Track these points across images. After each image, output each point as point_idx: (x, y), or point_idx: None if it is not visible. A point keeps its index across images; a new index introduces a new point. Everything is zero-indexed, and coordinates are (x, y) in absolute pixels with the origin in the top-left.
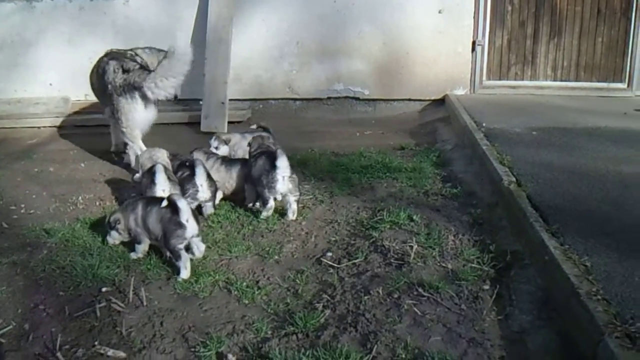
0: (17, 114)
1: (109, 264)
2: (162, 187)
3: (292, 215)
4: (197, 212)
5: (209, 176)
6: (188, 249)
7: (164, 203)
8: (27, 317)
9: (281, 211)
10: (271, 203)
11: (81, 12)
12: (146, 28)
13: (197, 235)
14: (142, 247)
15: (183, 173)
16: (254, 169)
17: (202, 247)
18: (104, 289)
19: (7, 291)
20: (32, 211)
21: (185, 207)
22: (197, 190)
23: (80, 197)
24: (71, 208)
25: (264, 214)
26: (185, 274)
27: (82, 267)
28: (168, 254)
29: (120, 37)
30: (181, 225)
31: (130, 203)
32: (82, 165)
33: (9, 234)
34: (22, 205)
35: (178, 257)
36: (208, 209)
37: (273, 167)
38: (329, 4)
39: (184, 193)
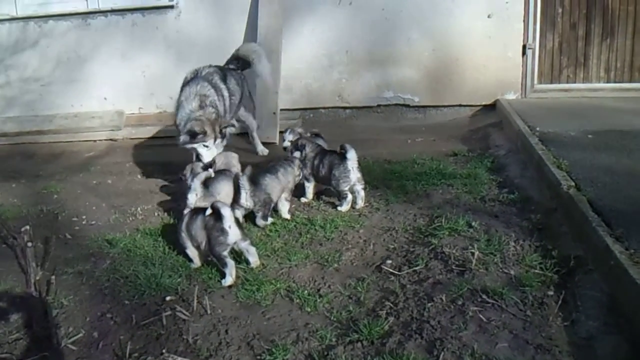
0: (74, 128)
1: (171, 273)
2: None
3: (361, 202)
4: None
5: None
6: (241, 255)
7: (208, 211)
8: (95, 326)
9: (338, 221)
10: (349, 196)
11: (134, 27)
12: (197, 41)
13: (244, 240)
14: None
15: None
16: (321, 167)
17: (253, 249)
18: (168, 298)
19: (75, 300)
20: (93, 222)
21: (228, 214)
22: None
23: (139, 208)
24: (130, 219)
25: (344, 207)
26: (229, 280)
27: (146, 277)
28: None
29: (172, 51)
30: (224, 232)
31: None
32: (138, 177)
33: (73, 244)
34: (84, 217)
35: (224, 264)
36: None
37: (343, 159)
38: (377, 12)
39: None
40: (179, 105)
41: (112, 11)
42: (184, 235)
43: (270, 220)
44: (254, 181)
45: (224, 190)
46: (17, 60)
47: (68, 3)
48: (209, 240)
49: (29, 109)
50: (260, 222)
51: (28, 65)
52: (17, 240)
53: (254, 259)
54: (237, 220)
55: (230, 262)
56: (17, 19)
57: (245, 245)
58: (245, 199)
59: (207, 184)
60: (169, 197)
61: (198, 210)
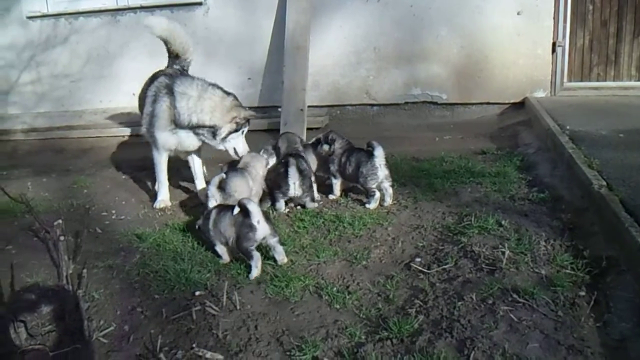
0: (103, 123)
1: (200, 269)
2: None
3: (389, 199)
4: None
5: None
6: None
7: (236, 210)
8: (126, 319)
9: (366, 218)
10: (377, 194)
11: None
12: (225, 38)
13: (273, 236)
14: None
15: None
16: (348, 165)
17: (280, 248)
18: (197, 293)
19: (105, 294)
20: (122, 217)
21: (256, 210)
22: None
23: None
24: (159, 214)
25: (372, 205)
26: (255, 272)
27: (175, 272)
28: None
29: (200, 47)
30: (252, 228)
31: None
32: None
33: (103, 238)
34: (113, 211)
35: (250, 257)
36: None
37: (371, 156)
38: (405, 8)
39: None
40: None
41: (141, 8)
42: (212, 232)
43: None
44: (300, 170)
45: (239, 188)
46: (48, 57)
47: (98, 0)
48: (238, 236)
49: (59, 104)
50: (311, 205)
51: (58, 61)
52: (50, 233)
53: (280, 257)
54: (266, 215)
55: (257, 254)
56: (48, 16)
57: (273, 242)
58: (295, 189)
59: (222, 185)
60: (196, 194)
61: (225, 208)
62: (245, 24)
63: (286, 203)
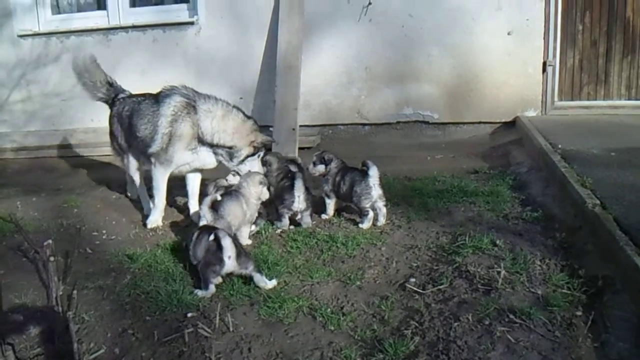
0: (93, 142)
1: (192, 290)
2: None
3: (382, 219)
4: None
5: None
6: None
7: (212, 237)
8: (116, 342)
9: (359, 238)
10: (371, 213)
11: (154, 43)
12: (217, 58)
13: (246, 268)
14: None
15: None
16: (342, 184)
17: (258, 276)
18: (189, 314)
19: (95, 315)
20: (113, 237)
21: (229, 246)
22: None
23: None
24: (151, 234)
25: (366, 225)
26: (201, 294)
27: (167, 293)
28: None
29: (191, 67)
30: (221, 262)
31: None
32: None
33: (93, 259)
34: (104, 231)
35: (207, 286)
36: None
37: (365, 175)
38: (397, 28)
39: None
40: None
41: (133, 27)
42: (191, 252)
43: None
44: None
45: (233, 211)
46: (39, 75)
47: (89, 19)
48: (205, 262)
49: (49, 123)
50: (308, 221)
51: (49, 80)
52: (39, 254)
53: (262, 284)
54: (238, 251)
55: (212, 288)
56: (40, 35)
57: (250, 272)
58: (299, 203)
59: (214, 206)
60: (187, 213)
61: (207, 230)
62: (237, 43)
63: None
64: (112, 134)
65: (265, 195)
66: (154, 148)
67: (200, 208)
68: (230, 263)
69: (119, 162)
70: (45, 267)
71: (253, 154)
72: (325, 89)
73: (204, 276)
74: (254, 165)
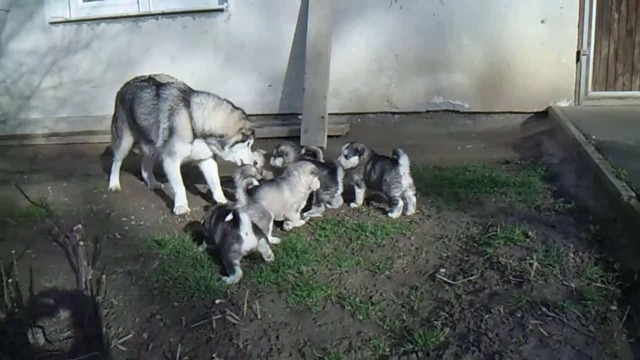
0: None
1: (220, 276)
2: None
3: (412, 208)
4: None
5: None
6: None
7: (229, 217)
8: (144, 327)
9: (388, 227)
10: (401, 203)
11: (184, 30)
12: (246, 45)
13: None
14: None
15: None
16: (373, 172)
17: (269, 250)
18: (217, 301)
19: (124, 300)
20: (142, 222)
21: (246, 221)
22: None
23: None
24: (179, 220)
25: (395, 214)
26: (229, 280)
27: (195, 279)
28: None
29: (221, 53)
30: (239, 239)
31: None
32: (185, 179)
33: (122, 244)
34: (133, 217)
35: (232, 271)
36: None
37: (395, 164)
38: (428, 16)
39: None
40: None
41: (163, 14)
42: (206, 234)
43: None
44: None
45: (269, 197)
46: (70, 62)
47: (120, 6)
48: (223, 246)
49: (80, 109)
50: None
51: (80, 67)
52: (69, 238)
53: (267, 259)
54: (255, 227)
55: (239, 272)
56: (71, 22)
57: (261, 250)
58: (341, 188)
59: (250, 191)
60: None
61: (222, 212)
62: (266, 30)
63: None
64: None
65: (316, 184)
66: (159, 141)
67: (236, 191)
68: (249, 239)
69: None
70: (75, 251)
71: (242, 141)
72: (355, 77)
73: (227, 260)
74: (244, 153)
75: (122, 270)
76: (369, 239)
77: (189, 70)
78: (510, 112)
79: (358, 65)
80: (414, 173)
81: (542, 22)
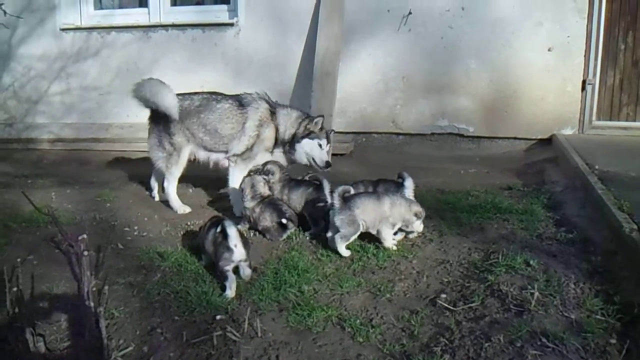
0: (129, 138)
1: (222, 292)
2: None
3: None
4: None
5: None
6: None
7: (219, 228)
8: (145, 340)
9: (390, 250)
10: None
11: (193, 42)
12: (255, 60)
13: (245, 261)
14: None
15: None
16: None
17: (249, 271)
18: (218, 317)
19: (125, 312)
20: (144, 233)
21: (234, 234)
22: None
23: (190, 222)
24: (182, 233)
25: (398, 236)
26: (229, 293)
27: (196, 293)
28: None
29: (229, 68)
30: (229, 250)
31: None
32: (190, 191)
33: (125, 255)
34: (135, 227)
35: (225, 277)
36: None
37: (400, 187)
38: (436, 40)
39: None
40: None
41: (173, 26)
42: (200, 243)
43: None
44: None
45: (365, 207)
46: (78, 69)
47: (131, 16)
48: (216, 255)
49: (86, 116)
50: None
51: (88, 74)
52: (73, 247)
53: (245, 277)
54: (244, 240)
55: (232, 276)
56: (81, 29)
57: (243, 265)
58: None
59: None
60: (219, 213)
61: (215, 223)
62: (275, 47)
63: None
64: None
65: (418, 227)
66: (240, 147)
67: (332, 196)
68: (238, 250)
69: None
70: (79, 261)
71: (309, 137)
72: (362, 97)
73: (220, 268)
74: (310, 144)
75: (124, 281)
76: (370, 261)
77: (197, 83)
78: (515, 138)
79: (365, 85)
80: (416, 195)
81: (549, 50)
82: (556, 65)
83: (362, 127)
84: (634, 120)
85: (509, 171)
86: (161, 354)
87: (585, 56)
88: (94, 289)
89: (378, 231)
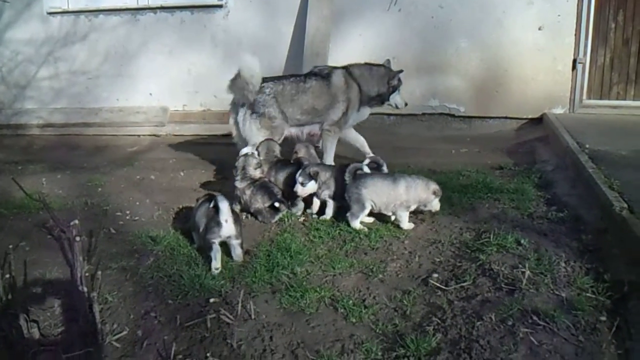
0: (119, 122)
1: (215, 275)
2: None
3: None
4: None
5: None
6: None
7: (212, 204)
8: (139, 324)
9: (382, 230)
10: None
11: (182, 25)
12: (244, 41)
13: (236, 238)
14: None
15: None
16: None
17: (239, 250)
18: (211, 300)
19: (118, 296)
20: (136, 218)
21: (226, 209)
22: None
23: (182, 206)
24: (174, 216)
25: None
26: (215, 264)
27: (189, 277)
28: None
29: (219, 49)
30: (219, 224)
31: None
32: (182, 174)
33: (117, 239)
34: (127, 212)
35: (210, 248)
36: None
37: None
38: (426, 19)
39: None
40: None
41: (162, 8)
42: (192, 218)
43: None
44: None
45: (375, 188)
46: (66, 53)
47: None
48: (205, 228)
49: (75, 101)
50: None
51: (77, 58)
52: (65, 233)
53: (236, 258)
54: (235, 216)
55: (217, 247)
56: (69, 13)
57: (234, 243)
58: None
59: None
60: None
61: (208, 199)
62: (265, 28)
63: None
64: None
65: (436, 206)
66: (337, 113)
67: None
68: (227, 226)
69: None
70: (71, 246)
71: (392, 92)
72: None
73: (207, 241)
74: (397, 98)
75: (117, 265)
76: (362, 242)
77: (186, 65)
78: (505, 118)
79: None
80: None
81: (540, 29)
82: (547, 44)
83: None
84: (624, 99)
85: (500, 151)
86: (155, 337)
87: (575, 35)
88: (87, 274)
89: (393, 213)
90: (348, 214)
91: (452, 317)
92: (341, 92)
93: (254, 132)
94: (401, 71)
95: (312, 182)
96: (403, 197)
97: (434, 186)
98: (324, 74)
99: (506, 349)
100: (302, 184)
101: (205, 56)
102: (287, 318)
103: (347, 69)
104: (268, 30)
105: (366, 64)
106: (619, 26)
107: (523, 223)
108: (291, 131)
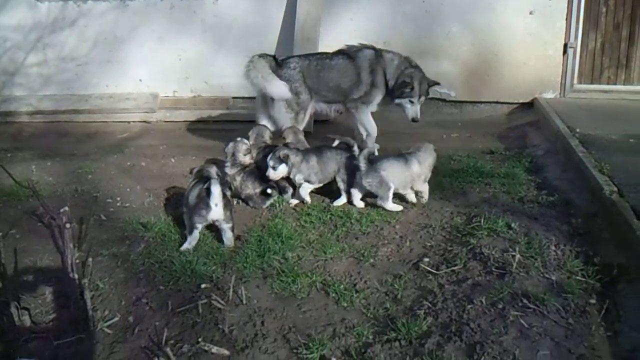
0: (109, 108)
1: (206, 261)
2: None
3: None
4: None
5: None
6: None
7: (205, 185)
8: (130, 310)
9: (373, 215)
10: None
11: (172, 10)
12: (234, 27)
13: (227, 222)
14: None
15: None
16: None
17: (230, 234)
18: (203, 285)
19: (110, 283)
20: (127, 204)
21: (217, 193)
22: None
23: (172, 192)
24: (164, 203)
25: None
26: (186, 245)
27: (180, 263)
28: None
29: (208, 35)
30: (208, 207)
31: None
32: (172, 160)
33: (108, 226)
34: (118, 199)
35: (191, 232)
36: None
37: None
38: (417, 4)
39: None
40: None
41: None
42: (185, 196)
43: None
44: None
45: (391, 169)
46: (55, 39)
47: None
48: (194, 208)
49: (64, 87)
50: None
51: (65, 44)
52: (55, 220)
53: (227, 243)
54: (226, 201)
55: (196, 234)
56: None
57: (225, 227)
58: None
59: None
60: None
61: (200, 181)
62: (255, 13)
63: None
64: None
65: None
66: (360, 92)
67: (358, 157)
68: (216, 210)
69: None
70: (61, 233)
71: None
72: None
73: (191, 222)
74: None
75: (108, 252)
76: (354, 226)
77: (177, 51)
78: (496, 102)
79: None
80: None
81: (531, 13)
82: (538, 28)
83: None
84: (615, 84)
85: (491, 135)
86: (147, 323)
87: (566, 19)
88: (78, 261)
89: (411, 189)
90: (378, 201)
91: (442, 301)
92: (366, 72)
93: (279, 111)
94: (438, 83)
95: (283, 165)
96: (418, 172)
97: (431, 145)
98: (351, 53)
99: (496, 331)
100: (274, 168)
101: (196, 42)
102: (278, 303)
103: (378, 50)
104: (258, 15)
105: (406, 58)
106: (609, 10)
107: (514, 207)
108: (319, 107)
